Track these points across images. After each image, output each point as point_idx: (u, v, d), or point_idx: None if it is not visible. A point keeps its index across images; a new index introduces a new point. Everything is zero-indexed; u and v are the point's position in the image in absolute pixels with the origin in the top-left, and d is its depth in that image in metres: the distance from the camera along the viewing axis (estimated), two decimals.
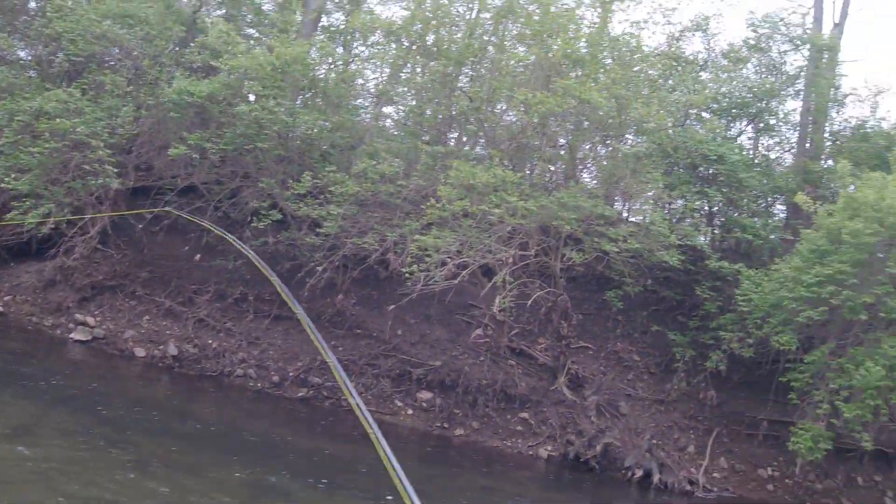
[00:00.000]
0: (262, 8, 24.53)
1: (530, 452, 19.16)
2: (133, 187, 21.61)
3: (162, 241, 21.59)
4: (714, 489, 18.88)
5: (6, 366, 16.66)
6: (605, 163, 21.28)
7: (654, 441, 19.50)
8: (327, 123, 20.54)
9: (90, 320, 20.17)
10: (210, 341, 20.18)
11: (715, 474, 19.35)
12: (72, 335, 19.63)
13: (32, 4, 24.16)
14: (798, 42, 25.51)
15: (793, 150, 25.87)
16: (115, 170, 19.81)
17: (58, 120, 19.18)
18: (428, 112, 21.16)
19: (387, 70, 23.17)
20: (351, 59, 23.95)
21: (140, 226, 21.22)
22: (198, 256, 21.29)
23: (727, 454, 19.95)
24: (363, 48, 23.76)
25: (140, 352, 19.61)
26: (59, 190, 19.60)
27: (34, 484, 10.97)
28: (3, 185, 19.21)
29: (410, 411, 19.70)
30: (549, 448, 19.26)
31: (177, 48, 21.94)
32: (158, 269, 21.34)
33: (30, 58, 23.78)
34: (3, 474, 11.02)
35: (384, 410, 19.51)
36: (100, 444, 13.19)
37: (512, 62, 20.38)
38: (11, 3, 23.77)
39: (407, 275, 17.63)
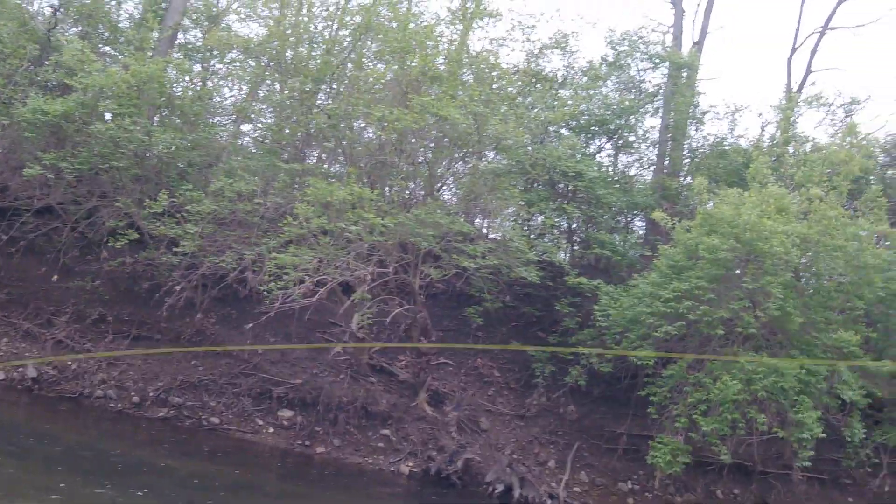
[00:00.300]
0: (119, 25, 23.82)
1: (392, 469, 18.77)
2: None
3: (18, 263, 20.79)
4: (575, 503, 18.70)
5: None
6: (464, 179, 21.09)
7: (515, 456, 19.31)
8: (185, 142, 19.95)
9: None
10: (69, 362, 19.41)
11: (576, 488, 19.10)
12: None
13: None
14: (657, 60, 25.77)
15: (652, 167, 26.15)
16: None
17: None
18: (286, 130, 20.67)
19: (245, 88, 22.73)
20: (208, 77, 23.40)
21: None
22: (55, 277, 20.61)
23: (587, 468, 19.73)
24: (221, 66, 23.25)
25: None
26: None
27: None
28: None
29: (272, 430, 19.21)
30: (411, 464, 18.90)
31: (31, 66, 21.11)
32: (16, 291, 20.60)
33: None
34: None
35: (245, 429, 19.05)
36: None
37: (370, 79, 20.05)
38: None
39: (265, 293, 17.15)
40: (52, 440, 16.00)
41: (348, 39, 20.50)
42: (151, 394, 19.15)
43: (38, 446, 15.35)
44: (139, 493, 13.74)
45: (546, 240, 21.92)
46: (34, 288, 20.61)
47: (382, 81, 20.07)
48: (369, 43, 20.64)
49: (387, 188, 20.20)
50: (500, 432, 20.09)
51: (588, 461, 19.91)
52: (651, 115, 25.91)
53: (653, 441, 17.79)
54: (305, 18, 20.39)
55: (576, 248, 23.59)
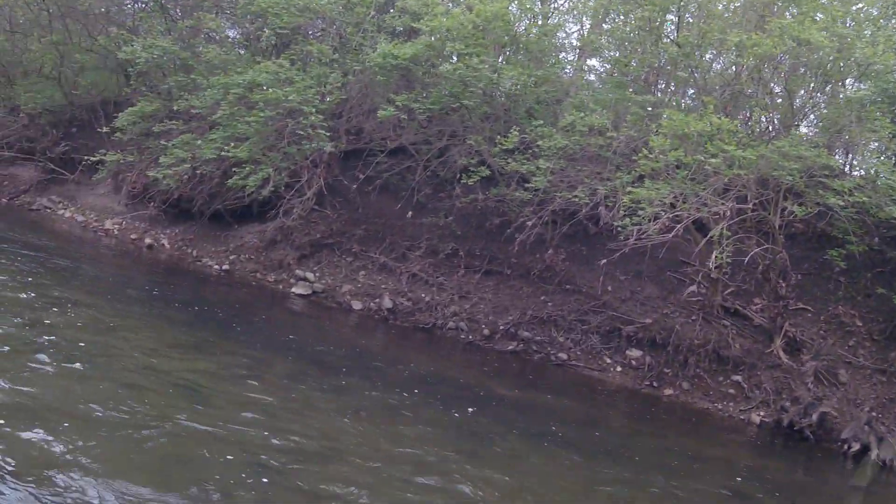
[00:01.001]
0: None
1: (742, 417, 16.60)
2: (345, 150, 20.84)
3: (375, 201, 20.87)
4: None
5: (234, 316, 16.46)
6: (825, 111, 18.12)
7: (874, 414, 16.27)
8: (531, 79, 18.66)
9: (310, 276, 19.89)
10: (423, 295, 19.22)
11: None
12: (293, 289, 19.48)
13: None
14: None
15: None
16: (328, 134, 19.01)
17: (270, 90, 18.67)
18: (633, 62, 18.76)
19: (588, 21, 21.02)
20: (550, 13, 21.95)
21: (354, 186, 20.60)
22: (409, 214, 20.48)
23: None
24: (562, 1, 21.74)
25: (357, 305, 19.10)
26: (276, 155, 19.11)
27: (261, 418, 10.55)
28: (223, 153, 18.88)
29: (619, 368, 17.71)
30: (762, 413, 16.56)
31: (377, 14, 20.77)
32: (372, 227, 20.63)
33: (238, 35, 23.74)
34: (232, 411, 10.60)
35: (593, 367, 17.73)
36: (318, 388, 12.61)
37: (720, 5, 17.64)
38: None
39: (619, 228, 15.58)
40: (405, 366, 15.56)
41: None
42: (501, 327, 18.32)
43: (392, 371, 14.96)
44: (488, 420, 13.04)
45: None
46: (390, 224, 20.55)
47: (734, 6, 17.63)
48: None
49: (742, 120, 17.74)
50: (859, 387, 17.06)
51: None
52: None
53: None
54: None
55: None
